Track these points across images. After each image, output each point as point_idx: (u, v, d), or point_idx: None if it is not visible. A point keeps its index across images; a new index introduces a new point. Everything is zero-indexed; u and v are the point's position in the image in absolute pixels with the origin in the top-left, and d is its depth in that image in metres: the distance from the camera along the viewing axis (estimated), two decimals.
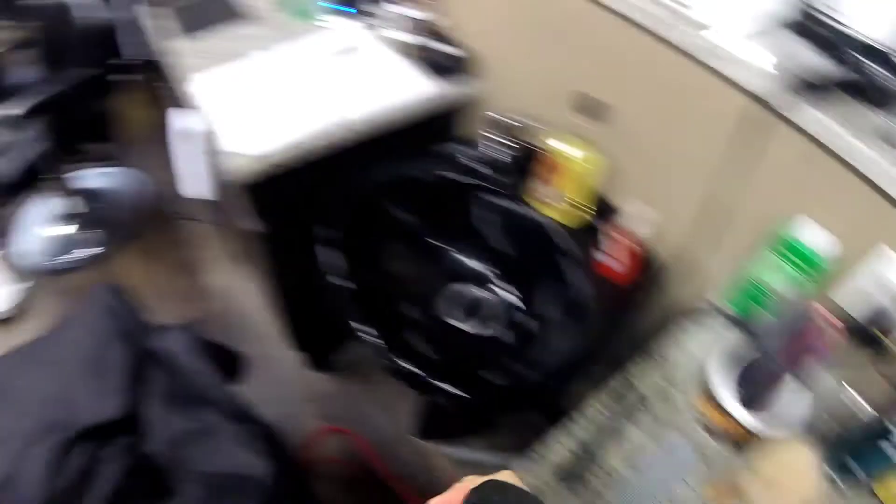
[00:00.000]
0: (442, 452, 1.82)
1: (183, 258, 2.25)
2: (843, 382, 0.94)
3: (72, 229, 2.22)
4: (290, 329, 1.78)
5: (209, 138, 1.20)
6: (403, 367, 1.03)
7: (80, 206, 2.22)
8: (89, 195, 2.26)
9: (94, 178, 2.37)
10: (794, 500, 0.80)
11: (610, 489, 0.85)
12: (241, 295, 2.14)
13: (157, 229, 2.32)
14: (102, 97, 1.94)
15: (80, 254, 2.18)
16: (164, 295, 2.03)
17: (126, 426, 1.01)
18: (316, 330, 1.83)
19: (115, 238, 2.23)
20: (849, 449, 0.89)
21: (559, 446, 0.88)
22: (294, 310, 1.66)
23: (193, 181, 1.40)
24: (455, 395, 1.02)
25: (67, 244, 2.20)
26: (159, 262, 2.21)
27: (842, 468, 0.90)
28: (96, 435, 0.98)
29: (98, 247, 2.20)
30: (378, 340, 1.05)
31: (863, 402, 0.93)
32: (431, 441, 1.85)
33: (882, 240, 0.86)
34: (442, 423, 1.74)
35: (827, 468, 0.91)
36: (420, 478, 1.80)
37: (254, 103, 1.19)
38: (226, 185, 1.23)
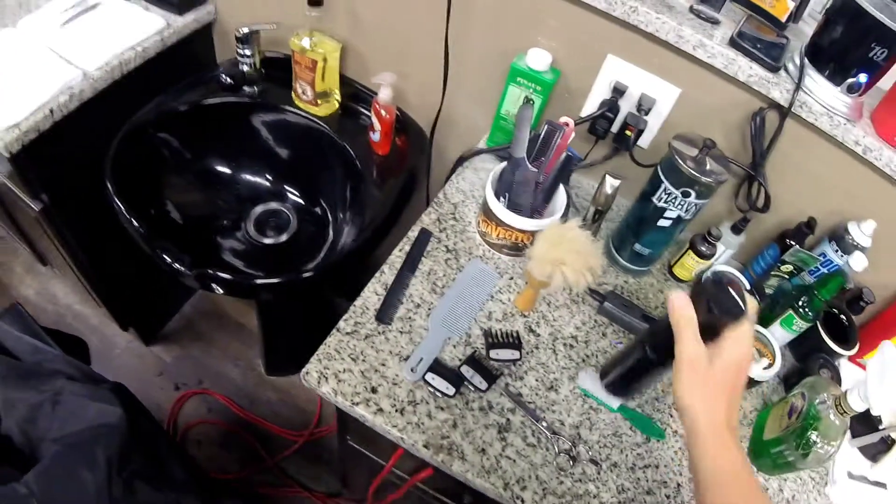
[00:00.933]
0: (300, 381, 1.85)
1: None
2: (607, 175, 1.08)
3: None
4: (116, 309, 1.70)
5: None
6: (220, 278, 1.06)
7: None
8: None
9: None
10: (582, 267, 0.90)
11: (422, 316, 0.95)
12: (60, 294, 1.99)
13: None
14: None
15: None
16: None
17: None
18: (139, 300, 1.76)
19: None
20: (633, 235, 1.04)
21: (371, 294, 0.96)
22: (110, 286, 1.59)
23: None
24: (273, 283, 1.07)
25: None
26: None
27: (634, 255, 1.06)
28: None
29: None
30: (188, 269, 1.04)
31: (615, 184, 1.06)
32: (284, 375, 1.89)
33: (608, 51, 1.02)
34: (287, 353, 1.77)
35: (622, 260, 1.08)
36: (287, 412, 1.84)
37: (3, 79, 1.13)
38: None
